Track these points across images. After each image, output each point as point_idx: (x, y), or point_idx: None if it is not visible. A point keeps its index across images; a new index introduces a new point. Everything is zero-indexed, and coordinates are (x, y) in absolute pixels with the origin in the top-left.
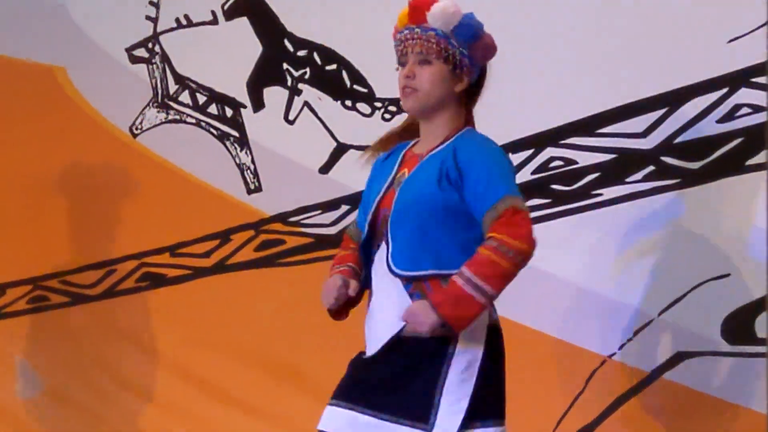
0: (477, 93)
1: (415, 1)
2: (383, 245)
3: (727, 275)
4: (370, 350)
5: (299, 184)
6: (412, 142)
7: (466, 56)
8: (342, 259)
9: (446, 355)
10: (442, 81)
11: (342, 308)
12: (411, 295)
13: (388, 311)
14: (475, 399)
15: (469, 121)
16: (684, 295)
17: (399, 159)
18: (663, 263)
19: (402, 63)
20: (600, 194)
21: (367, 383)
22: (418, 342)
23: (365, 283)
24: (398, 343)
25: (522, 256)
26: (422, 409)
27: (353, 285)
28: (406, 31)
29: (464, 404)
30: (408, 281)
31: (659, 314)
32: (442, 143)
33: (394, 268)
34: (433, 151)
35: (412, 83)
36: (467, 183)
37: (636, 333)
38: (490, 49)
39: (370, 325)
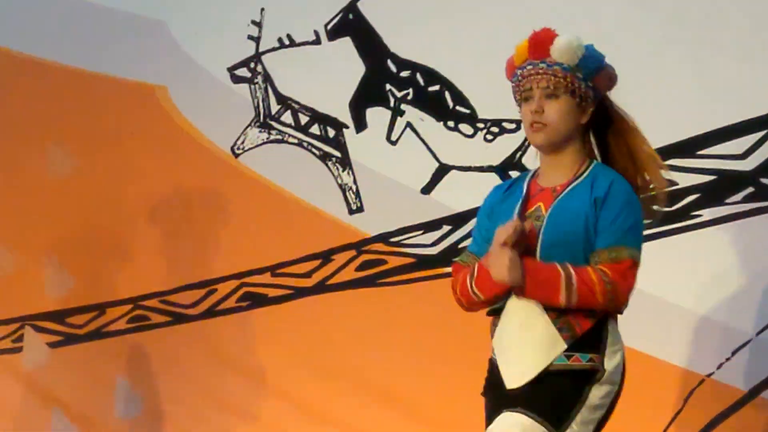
0: (601, 123)
1: (536, 36)
2: None
3: None
4: (510, 383)
5: (401, 205)
6: (531, 174)
7: (590, 88)
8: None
9: (593, 380)
10: (569, 115)
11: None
12: (560, 330)
13: (532, 345)
14: (598, 425)
15: (592, 150)
16: None
17: (524, 192)
18: (761, 283)
19: (526, 98)
20: (700, 215)
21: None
22: (566, 373)
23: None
24: (544, 377)
25: (614, 306)
26: (557, 415)
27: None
28: (530, 66)
29: (590, 427)
30: (557, 316)
31: (757, 334)
32: (576, 176)
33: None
34: (573, 185)
35: (541, 118)
36: (603, 213)
37: (734, 353)
38: (613, 79)
39: (508, 357)
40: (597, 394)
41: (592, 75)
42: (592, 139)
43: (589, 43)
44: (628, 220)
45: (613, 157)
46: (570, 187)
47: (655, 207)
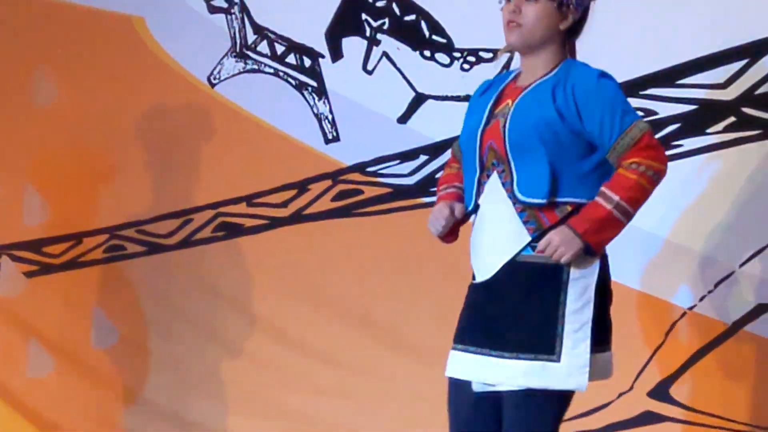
0: (578, 31)
1: None
2: (496, 174)
3: None
4: (481, 276)
5: (377, 134)
6: (512, 76)
7: None
8: (447, 178)
9: (562, 282)
10: (547, 18)
11: (450, 232)
12: (525, 223)
13: (500, 237)
14: (594, 324)
15: (571, 56)
16: (765, 247)
17: (498, 92)
18: (744, 215)
19: None
20: (681, 145)
21: (485, 317)
22: (532, 267)
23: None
24: (511, 270)
25: (662, 178)
26: (546, 340)
27: (458, 208)
28: None
29: (587, 330)
30: (523, 209)
31: (740, 266)
32: (547, 74)
33: (520, 195)
34: (540, 80)
35: (517, 18)
36: (590, 112)
37: (716, 285)
38: None
39: (478, 252)
40: (573, 296)
41: None
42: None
43: None
44: (616, 103)
45: None
46: (537, 83)
47: None
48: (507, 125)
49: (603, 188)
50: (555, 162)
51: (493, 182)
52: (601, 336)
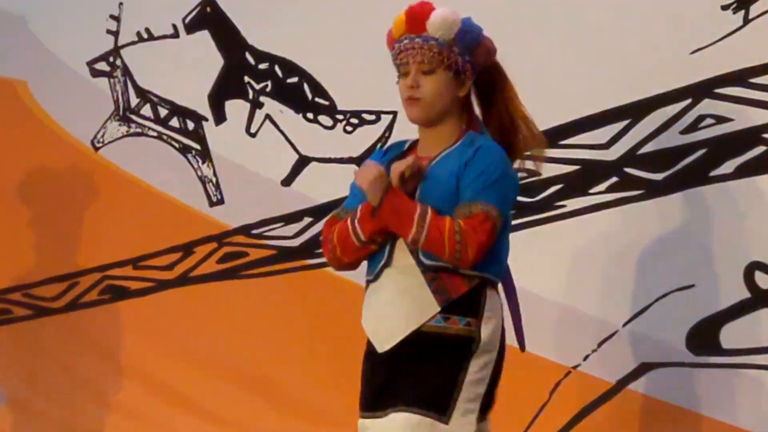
0: (486, 91)
1: (412, 10)
2: (402, 240)
3: (692, 286)
4: (382, 344)
5: (262, 197)
6: (409, 144)
7: (468, 62)
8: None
9: (470, 351)
10: (445, 89)
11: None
12: (434, 292)
13: (405, 306)
14: (483, 399)
15: (471, 120)
16: (648, 306)
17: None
18: (627, 274)
19: (403, 73)
20: (563, 205)
21: (386, 382)
22: (439, 337)
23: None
24: (417, 338)
25: (462, 258)
26: (441, 400)
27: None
28: (406, 41)
29: (478, 403)
30: (432, 278)
31: (624, 325)
32: (452, 145)
33: (424, 259)
34: (445, 152)
35: (416, 93)
36: (467, 172)
37: (600, 344)
38: (491, 52)
39: (379, 319)
40: (475, 367)
41: (469, 49)
42: (475, 102)
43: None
44: (489, 179)
45: (493, 116)
46: (442, 155)
47: (534, 165)
48: (417, 196)
49: (426, 209)
50: None
51: (400, 249)
52: (485, 408)
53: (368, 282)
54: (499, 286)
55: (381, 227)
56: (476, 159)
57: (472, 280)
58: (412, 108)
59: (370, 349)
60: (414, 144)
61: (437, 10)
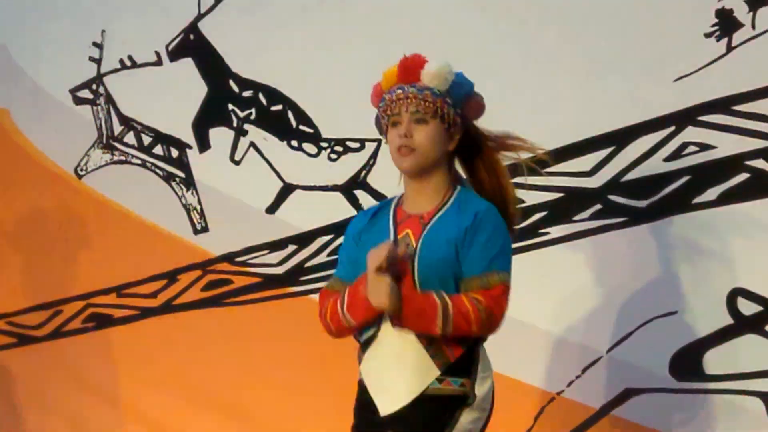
0: (469, 149)
1: (407, 60)
2: None
3: (675, 312)
4: (386, 408)
5: (246, 224)
6: (396, 200)
7: (459, 115)
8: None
9: (462, 405)
10: (438, 140)
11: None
12: (432, 356)
13: (406, 371)
14: None
15: (456, 177)
16: (632, 333)
17: (391, 218)
18: (611, 301)
19: (394, 123)
20: (548, 233)
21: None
22: (438, 398)
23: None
24: (418, 401)
25: (489, 332)
26: None
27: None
28: (399, 91)
29: None
30: (429, 342)
31: (607, 351)
32: (443, 203)
33: None
34: (440, 213)
35: (409, 143)
36: (471, 241)
37: (584, 370)
38: (481, 108)
39: (383, 383)
40: (467, 419)
41: (461, 102)
42: (458, 165)
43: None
44: (496, 246)
45: (481, 182)
46: (438, 215)
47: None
48: (417, 258)
49: (444, 300)
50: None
51: None
52: None
53: (365, 342)
54: None
55: (374, 315)
56: (479, 226)
57: (467, 341)
58: (404, 158)
59: (365, 401)
60: (400, 201)
61: (432, 61)
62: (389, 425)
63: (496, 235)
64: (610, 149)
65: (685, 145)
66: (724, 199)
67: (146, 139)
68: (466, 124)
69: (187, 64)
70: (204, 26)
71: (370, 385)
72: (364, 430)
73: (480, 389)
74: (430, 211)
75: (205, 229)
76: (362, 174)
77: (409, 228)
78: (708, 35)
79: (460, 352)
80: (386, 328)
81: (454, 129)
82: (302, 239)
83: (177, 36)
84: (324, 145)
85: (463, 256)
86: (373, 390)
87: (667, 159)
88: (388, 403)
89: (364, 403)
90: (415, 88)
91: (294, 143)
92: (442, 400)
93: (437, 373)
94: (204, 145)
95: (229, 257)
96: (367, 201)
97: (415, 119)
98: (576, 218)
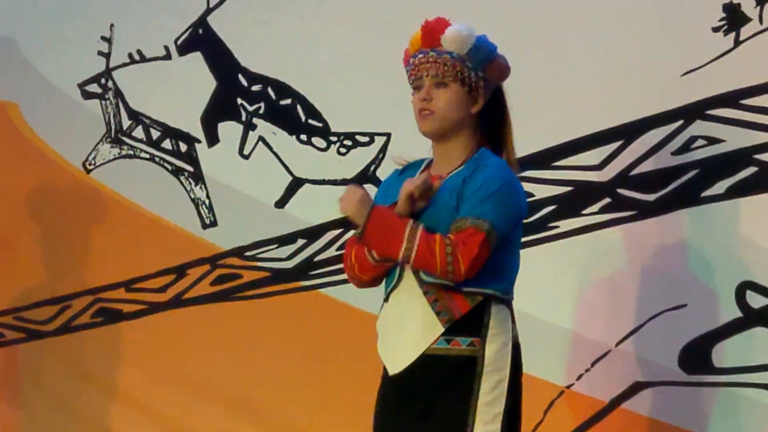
0: (494, 113)
1: (428, 24)
2: None
3: (684, 305)
4: (393, 368)
5: (255, 219)
6: (427, 161)
7: (481, 78)
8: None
9: (476, 373)
10: (458, 103)
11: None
12: (438, 314)
13: (412, 329)
14: (505, 419)
15: (484, 142)
16: (641, 326)
17: (418, 174)
18: (620, 294)
19: (417, 86)
20: (557, 227)
21: (399, 413)
22: (445, 359)
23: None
24: (425, 362)
25: (454, 273)
26: (458, 429)
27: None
28: (420, 55)
29: (499, 423)
30: (435, 299)
31: (617, 344)
32: (460, 165)
33: (425, 277)
34: (455, 171)
35: (429, 105)
36: (466, 189)
37: (594, 363)
38: (504, 70)
39: (389, 342)
40: (486, 388)
41: (482, 64)
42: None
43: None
44: (486, 192)
45: (503, 145)
46: (451, 175)
47: None
48: (422, 214)
49: (416, 226)
50: None
51: (408, 269)
52: (512, 428)
53: (384, 300)
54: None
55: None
56: (475, 174)
57: (475, 297)
58: (424, 121)
59: (384, 373)
60: (430, 163)
61: (452, 25)
62: (404, 394)
63: (490, 182)
64: (618, 143)
65: (693, 138)
66: (733, 192)
67: (155, 134)
68: (492, 87)
69: (196, 59)
70: (213, 20)
71: (379, 346)
72: (381, 406)
73: (490, 348)
74: (449, 172)
75: (213, 224)
76: (371, 168)
77: None
78: (716, 30)
79: (467, 308)
80: (400, 288)
81: (476, 92)
82: (311, 233)
83: (186, 30)
84: (333, 139)
85: (463, 197)
86: (382, 350)
87: (676, 153)
88: (395, 363)
89: (384, 373)
90: (435, 52)
91: (303, 137)
92: (450, 362)
93: (441, 330)
94: (213, 139)
95: (238, 252)
96: None
97: (436, 83)
98: (585, 212)
